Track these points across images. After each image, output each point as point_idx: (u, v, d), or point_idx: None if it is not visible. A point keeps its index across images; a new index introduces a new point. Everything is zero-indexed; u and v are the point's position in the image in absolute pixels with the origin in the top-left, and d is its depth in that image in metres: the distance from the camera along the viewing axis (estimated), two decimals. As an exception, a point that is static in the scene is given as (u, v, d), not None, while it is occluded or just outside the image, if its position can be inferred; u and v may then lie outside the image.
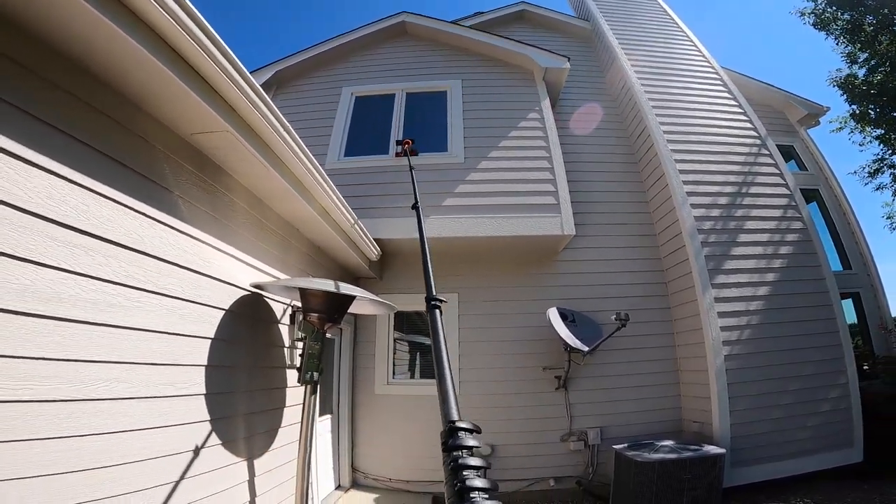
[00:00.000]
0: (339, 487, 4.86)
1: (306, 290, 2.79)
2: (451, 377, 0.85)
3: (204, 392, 2.31)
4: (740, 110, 6.67)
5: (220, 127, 2.19)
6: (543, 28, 8.48)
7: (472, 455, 0.64)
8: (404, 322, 5.79)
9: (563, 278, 5.76)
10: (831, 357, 5.21)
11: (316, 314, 2.82)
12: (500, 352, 5.34)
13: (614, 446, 4.59)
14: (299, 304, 2.98)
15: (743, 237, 5.54)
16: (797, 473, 4.73)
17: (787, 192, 5.97)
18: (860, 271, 7.90)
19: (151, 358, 1.97)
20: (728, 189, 5.85)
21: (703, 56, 7.46)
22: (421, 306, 5.41)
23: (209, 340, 2.41)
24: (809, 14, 8.34)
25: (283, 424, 3.23)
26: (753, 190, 5.93)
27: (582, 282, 5.75)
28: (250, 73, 2.17)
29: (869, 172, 9.03)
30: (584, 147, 6.72)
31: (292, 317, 3.45)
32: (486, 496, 0.57)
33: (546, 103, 6.04)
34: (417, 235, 1.52)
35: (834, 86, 8.38)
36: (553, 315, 5.04)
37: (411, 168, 2.62)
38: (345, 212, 3.68)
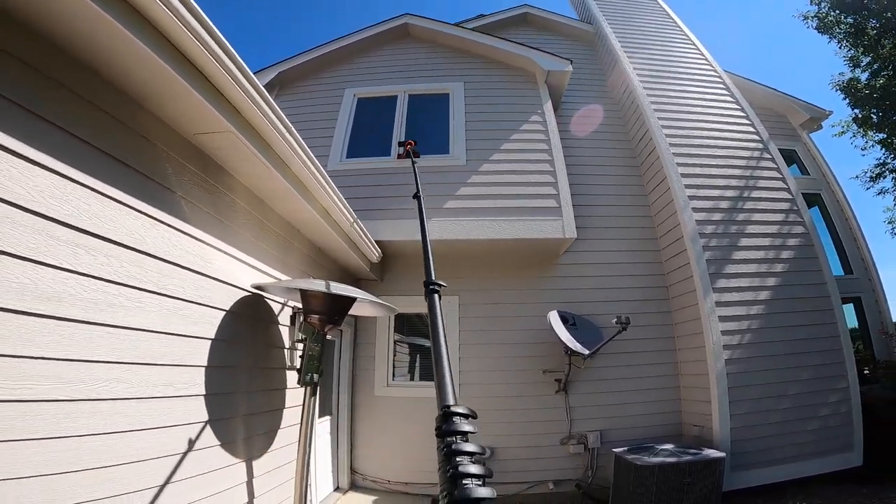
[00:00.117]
0: (337, 489, 4.85)
1: (307, 292, 2.78)
2: (449, 362, 0.82)
3: (204, 393, 2.31)
4: (742, 114, 6.67)
5: (223, 127, 2.19)
6: (546, 31, 8.48)
7: (466, 441, 0.62)
8: (404, 324, 5.79)
9: (564, 281, 5.76)
10: (832, 361, 5.20)
11: (316, 315, 2.81)
12: (501, 355, 5.33)
13: (614, 450, 4.58)
14: (300, 306, 2.98)
15: (744, 241, 5.53)
16: (797, 477, 4.72)
17: (789, 196, 5.96)
18: (861, 276, 7.89)
19: (152, 358, 1.97)
20: (730, 193, 5.84)
21: (706, 59, 7.46)
22: (422, 308, 5.39)
23: (209, 341, 2.40)
24: (812, 18, 8.33)
25: (282, 426, 3.22)
26: (755, 194, 5.92)
27: (583, 285, 5.74)
28: (253, 73, 2.17)
29: (871, 177, 9.03)
30: (585, 150, 6.71)
31: (292, 318, 3.44)
32: (480, 483, 0.55)
33: (548, 106, 6.05)
34: (419, 237, 1.52)
35: (836, 90, 8.38)
36: (554, 318, 5.03)
37: (414, 164, 2.64)
38: (345, 212, 3.68)
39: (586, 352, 4.83)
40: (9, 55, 1.42)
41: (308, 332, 2.95)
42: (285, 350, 3.35)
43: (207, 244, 2.44)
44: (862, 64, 8.20)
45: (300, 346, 3.02)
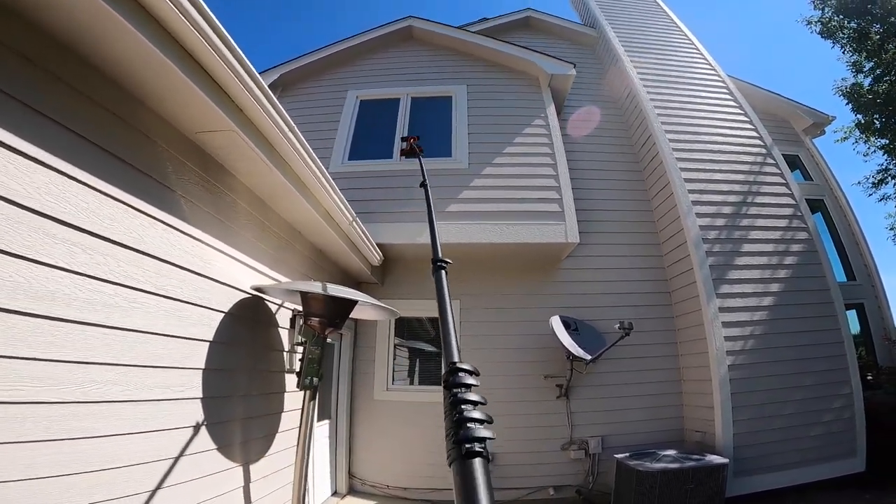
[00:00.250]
0: (335, 494, 4.80)
1: (308, 294, 2.75)
2: (454, 327, 0.91)
3: (201, 396, 2.27)
4: (746, 119, 6.65)
5: (226, 126, 2.16)
6: (548, 35, 8.47)
7: (469, 391, 0.70)
8: (405, 328, 5.75)
9: (566, 286, 5.72)
10: (835, 367, 5.18)
11: (317, 318, 2.77)
12: (502, 359, 5.29)
13: (616, 455, 4.54)
14: (300, 308, 2.94)
15: (747, 247, 5.50)
16: (800, 483, 4.70)
17: (793, 201, 5.93)
18: (864, 282, 7.88)
19: (148, 360, 1.93)
20: (733, 198, 5.82)
21: (709, 64, 7.44)
22: (422, 313, 5.36)
23: (208, 343, 2.36)
24: (816, 22, 8.32)
25: (280, 430, 3.18)
26: (759, 199, 5.90)
27: (585, 290, 5.71)
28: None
29: (873, 183, 8.99)
30: (587, 154, 6.69)
31: (292, 321, 3.41)
32: (481, 426, 0.63)
33: (551, 110, 6.03)
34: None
35: (839, 95, 8.36)
36: (556, 323, 5.00)
37: (419, 157, 2.65)
38: (345, 212, 3.64)
39: (588, 357, 4.80)
40: (5, 47, 1.39)
41: (308, 336, 2.92)
42: (285, 353, 3.31)
43: (207, 244, 2.41)
44: (865, 69, 8.18)
45: (300, 349, 2.99)
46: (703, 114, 6.60)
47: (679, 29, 8.17)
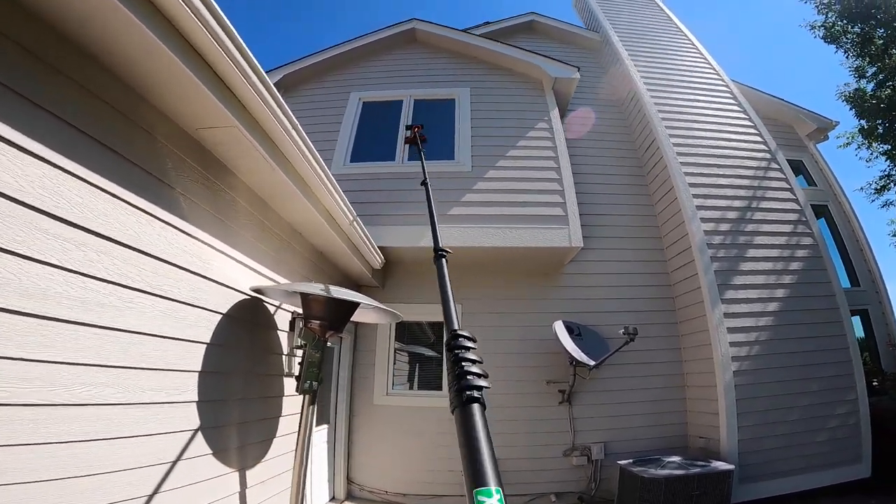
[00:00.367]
0: (333, 499, 4.73)
1: (309, 296, 2.69)
2: (454, 304, 1.05)
3: (197, 399, 2.21)
4: (750, 123, 6.61)
5: (229, 122, 2.11)
6: (552, 39, 8.46)
7: (468, 352, 0.81)
8: (405, 332, 5.68)
9: (569, 291, 5.67)
10: (841, 373, 5.14)
11: (317, 321, 2.72)
12: (504, 364, 5.22)
13: (619, 462, 4.48)
14: (300, 311, 2.88)
15: (752, 252, 5.45)
16: (805, 489, 4.66)
17: (798, 207, 5.89)
18: (868, 288, 7.85)
19: (143, 362, 1.87)
20: (738, 203, 5.77)
21: (712, 67, 7.42)
22: (423, 317, 5.29)
23: (204, 345, 2.30)
24: (819, 27, 8.28)
25: (278, 434, 3.11)
26: (763, 204, 5.86)
27: (588, 295, 5.66)
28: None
29: (875, 189, 8.92)
30: (590, 158, 6.65)
31: (292, 323, 3.35)
32: (479, 378, 0.74)
33: (555, 113, 5.99)
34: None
35: (842, 100, 8.32)
36: (559, 328, 4.94)
37: (421, 151, 2.62)
38: (347, 212, 3.59)
39: (592, 363, 4.74)
40: (4, 36, 1.35)
41: (308, 339, 2.86)
42: (283, 356, 3.25)
43: (206, 244, 2.35)
44: (867, 74, 8.14)
45: (299, 352, 2.93)
46: (706, 118, 6.57)
47: (682, 33, 8.16)
